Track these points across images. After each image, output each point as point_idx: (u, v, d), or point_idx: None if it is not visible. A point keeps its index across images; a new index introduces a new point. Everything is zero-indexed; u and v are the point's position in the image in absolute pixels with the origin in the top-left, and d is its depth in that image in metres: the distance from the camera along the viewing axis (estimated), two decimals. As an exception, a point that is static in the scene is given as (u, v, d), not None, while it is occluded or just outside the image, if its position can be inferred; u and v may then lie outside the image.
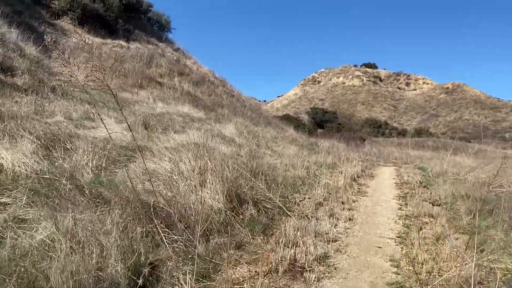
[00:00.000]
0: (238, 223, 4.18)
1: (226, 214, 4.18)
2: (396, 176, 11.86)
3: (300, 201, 6.28)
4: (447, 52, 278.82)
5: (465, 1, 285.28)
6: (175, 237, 3.34)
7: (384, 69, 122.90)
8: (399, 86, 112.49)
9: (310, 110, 55.26)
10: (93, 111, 10.76)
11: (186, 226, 3.56)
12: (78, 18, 18.03)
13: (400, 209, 6.80)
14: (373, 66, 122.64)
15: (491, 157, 25.42)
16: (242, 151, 9.32)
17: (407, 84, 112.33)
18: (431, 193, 8.07)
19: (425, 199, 7.51)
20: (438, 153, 25.66)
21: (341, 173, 9.84)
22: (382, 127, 60.80)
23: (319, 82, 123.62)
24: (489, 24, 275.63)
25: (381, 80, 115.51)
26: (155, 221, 3.40)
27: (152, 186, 3.99)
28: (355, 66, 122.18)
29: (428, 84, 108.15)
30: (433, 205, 7.10)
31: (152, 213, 3.45)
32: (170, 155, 5.16)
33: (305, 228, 4.56)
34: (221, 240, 3.69)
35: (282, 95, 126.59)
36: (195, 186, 4.48)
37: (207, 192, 4.41)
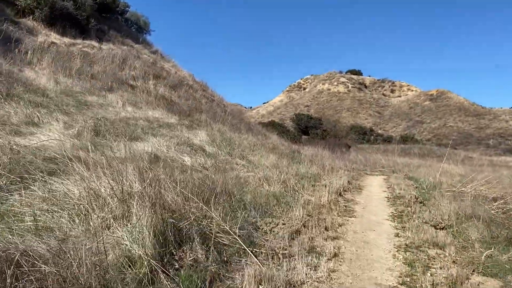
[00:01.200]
0: (169, 278, 2.81)
1: (150, 265, 2.81)
2: (387, 189, 10.64)
3: (272, 228, 4.94)
4: (432, 58, 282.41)
5: (450, 12, 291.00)
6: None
7: (369, 76, 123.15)
8: (383, 93, 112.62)
9: (294, 116, 54.27)
10: (38, 114, 9.36)
11: (72, 294, 2.21)
12: (45, 16, 16.68)
13: (397, 235, 5.50)
14: (358, 72, 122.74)
15: (478, 165, 24.72)
16: (209, 163, 7.96)
17: (392, 91, 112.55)
18: (430, 212, 6.81)
19: (425, 220, 6.24)
20: (425, 160, 24.87)
21: (325, 186, 8.54)
22: (368, 133, 60.19)
23: (304, 88, 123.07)
24: (474, 32, 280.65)
25: (366, 87, 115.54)
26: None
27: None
28: (341, 72, 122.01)
29: (412, 91, 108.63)
30: (436, 228, 5.85)
31: (7, 277, 2.07)
32: (85, 172, 3.75)
33: (271, 278, 3.21)
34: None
35: (268, 102, 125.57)
36: (113, 219, 3.12)
37: (127, 230, 3.06)
